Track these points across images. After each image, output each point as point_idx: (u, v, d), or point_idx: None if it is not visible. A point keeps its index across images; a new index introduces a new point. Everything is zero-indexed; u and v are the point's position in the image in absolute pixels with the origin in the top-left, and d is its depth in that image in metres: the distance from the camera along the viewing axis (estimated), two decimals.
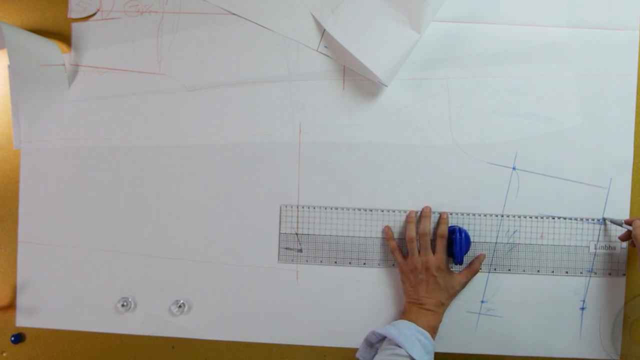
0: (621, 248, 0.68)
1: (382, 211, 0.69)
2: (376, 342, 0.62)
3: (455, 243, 0.65)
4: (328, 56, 0.69)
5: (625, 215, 0.68)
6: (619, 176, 0.68)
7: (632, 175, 0.68)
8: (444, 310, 0.65)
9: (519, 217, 0.68)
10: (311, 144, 0.70)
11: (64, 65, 0.70)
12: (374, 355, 0.61)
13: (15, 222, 0.72)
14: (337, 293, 0.70)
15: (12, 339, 0.71)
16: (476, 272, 0.67)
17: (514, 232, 0.68)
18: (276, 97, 0.70)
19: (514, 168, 0.68)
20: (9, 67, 0.66)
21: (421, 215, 0.68)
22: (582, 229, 0.68)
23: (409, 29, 0.65)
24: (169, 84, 0.70)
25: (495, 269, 0.69)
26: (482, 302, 0.69)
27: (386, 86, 0.68)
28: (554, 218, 0.68)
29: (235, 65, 0.70)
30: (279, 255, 0.70)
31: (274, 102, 0.70)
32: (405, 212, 0.69)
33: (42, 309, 0.72)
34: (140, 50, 0.70)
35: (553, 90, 0.68)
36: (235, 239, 0.70)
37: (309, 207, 0.69)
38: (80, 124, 0.71)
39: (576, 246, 0.68)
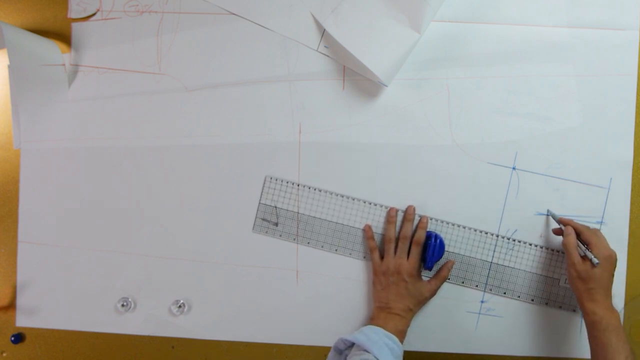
0: None
1: (364, 202, 0.69)
2: (345, 348, 0.61)
3: (429, 249, 0.66)
4: (328, 56, 0.69)
5: (625, 216, 0.68)
6: (619, 176, 0.68)
7: (632, 175, 0.68)
8: (412, 316, 0.65)
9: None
10: (311, 144, 0.70)
11: (64, 65, 0.70)
12: None
13: (15, 222, 0.72)
14: (337, 293, 0.70)
15: (12, 339, 0.71)
16: (444, 279, 0.67)
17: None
18: (276, 97, 0.70)
19: (514, 168, 0.68)
20: (9, 67, 0.66)
21: (404, 218, 0.68)
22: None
23: (409, 29, 0.65)
24: (169, 84, 0.70)
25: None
26: (482, 302, 0.69)
27: (386, 86, 0.68)
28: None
29: (235, 65, 0.70)
30: (254, 225, 0.70)
31: (274, 102, 0.70)
32: (386, 207, 0.69)
33: (42, 309, 0.72)
34: (140, 50, 0.70)
35: (553, 90, 0.68)
36: (235, 239, 0.70)
37: (289, 183, 0.70)
38: (80, 124, 0.71)
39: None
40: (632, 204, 0.68)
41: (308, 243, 0.69)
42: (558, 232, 0.67)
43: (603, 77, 0.68)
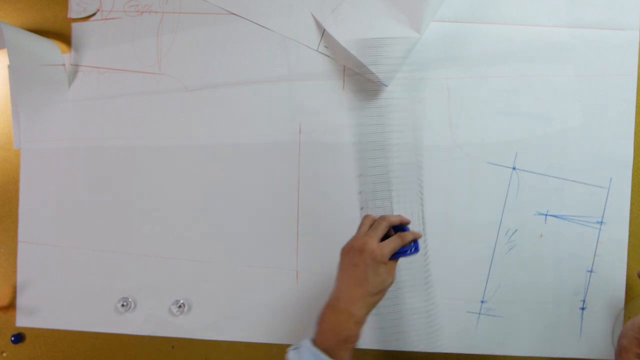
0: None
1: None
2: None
3: (404, 250, 0.57)
4: (328, 56, 0.69)
5: (625, 216, 0.68)
6: (619, 176, 0.68)
7: (632, 175, 0.68)
8: (365, 313, 0.53)
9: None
10: (311, 144, 0.70)
11: (64, 65, 0.70)
12: None
13: (15, 222, 0.72)
14: None
15: (12, 339, 0.71)
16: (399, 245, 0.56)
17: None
18: (276, 97, 0.70)
19: (514, 168, 0.68)
20: (9, 67, 0.66)
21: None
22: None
23: (409, 29, 0.65)
24: (169, 84, 0.70)
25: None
26: (482, 302, 0.69)
27: (386, 86, 0.68)
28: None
29: (235, 65, 0.70)
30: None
31: (274, 102, 0.70)
32: None
33: (42, 309, 0.72)
34: (140, 50, 0.70)
35: (553, 90, 0.68)
36: (235, 239, 0.70)
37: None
38: (80, 124, 0.71)
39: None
40: (632, 204, 0.68)
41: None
42: None
43: (603, 77, 0.68)
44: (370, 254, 0.53)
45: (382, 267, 0.54)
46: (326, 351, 0.50)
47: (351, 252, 0.55)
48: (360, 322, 0.53)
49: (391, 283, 0.55)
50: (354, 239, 0.56)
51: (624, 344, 0.57)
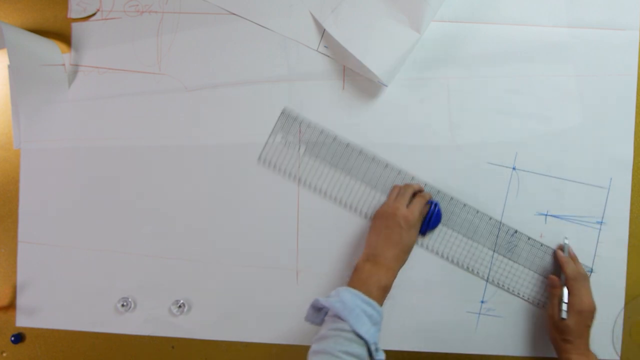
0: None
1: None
2: (322, 307, 0.58)
3: (426, 215, 0.65)
4: (328, 56, 0.69)
5: (625, 216, 0.68)
6: (619, 176, 0.68)
7: (632, 175, 0.68)
8: (400, 268, 0.61)
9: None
10: (311, 144, 0.70)
11: (64, 65, 0.70)
12: (323, 319, 0.58)
13: (15, 222, 0.72)
14: None
15: (12, 339, 0.71)
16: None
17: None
18: (276, 97, 0.70)
19: (514, 168, 0.68)
20: (9, 67, 0.66)
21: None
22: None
23: (409, 29, 0.65)
24: (169, 84, 0.70)
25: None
26: (482, 302, 0.69)
27: (386, 86, 0.68)
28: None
29: (235, 65, 0.70)
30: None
31: (274, 102, 0.70)
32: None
33: (42, 309, 0.72)
34: (140, 50, 0.70)
35: (553, 90, 0.68)
36: (235, 239, 0.70)
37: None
38: (80, 124, 0.71)
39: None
40: (632, 204, 0.68)
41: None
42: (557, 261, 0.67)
43: (603, 77, 0.68)
44: (404, 218, 0.62)
45: (412, 230, 0.62)
46: (365, 294, 0.57)
47: (384, 217, 0.63)
48: (395, 275, 0.60)
49: (414, 243, 0.64)
50: (386, 205, 0.65)
51: (552, 337, 0.64)
